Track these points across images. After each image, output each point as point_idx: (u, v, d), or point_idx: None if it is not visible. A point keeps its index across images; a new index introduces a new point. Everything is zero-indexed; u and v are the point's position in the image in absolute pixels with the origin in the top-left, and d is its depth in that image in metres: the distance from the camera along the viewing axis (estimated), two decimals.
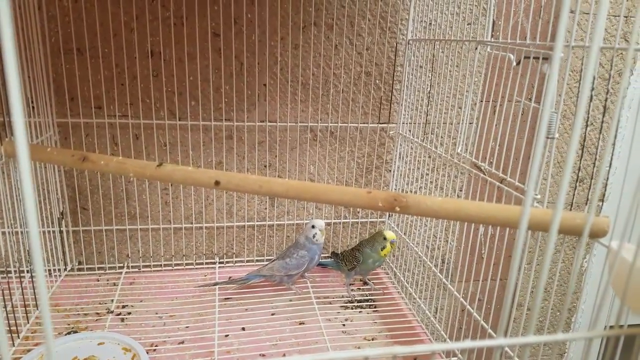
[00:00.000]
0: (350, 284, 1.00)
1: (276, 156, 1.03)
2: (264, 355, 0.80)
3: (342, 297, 0.99)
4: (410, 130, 1.03)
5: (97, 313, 0.87)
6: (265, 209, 1.07)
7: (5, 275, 0.77)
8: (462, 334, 0.82)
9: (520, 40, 0.69)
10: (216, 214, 1.04)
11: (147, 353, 0.75)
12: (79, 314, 0.87)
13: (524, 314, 0.72)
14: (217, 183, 0.60)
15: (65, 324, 0.84)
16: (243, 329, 0.86)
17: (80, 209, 0.99)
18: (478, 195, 0.81)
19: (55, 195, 0.92)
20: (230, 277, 0.99)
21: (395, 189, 1.07)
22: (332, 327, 0.88)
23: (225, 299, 0.94)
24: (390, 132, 1.07)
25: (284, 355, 0.81)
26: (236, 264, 1.08)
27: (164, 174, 0.63)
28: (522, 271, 0.69)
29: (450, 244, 1.14)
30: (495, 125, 0.85)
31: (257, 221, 1.07)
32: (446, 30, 0.97)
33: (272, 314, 0.90)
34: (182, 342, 0.82)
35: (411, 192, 1.04)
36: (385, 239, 0.94)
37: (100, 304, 0.90)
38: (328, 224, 1.09)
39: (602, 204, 1.24)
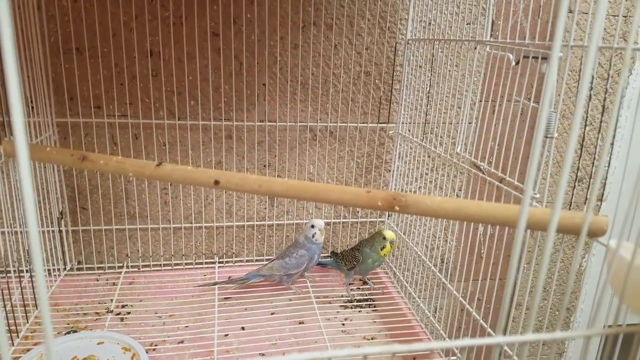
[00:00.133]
0: (349, 284, 1.00)
1: (276, 156, 1.04)
2: (263, 354, 0.80)
3: (342, 296, 0.99)
4: (409, 130, 1.03)
5: (97, 313, 0.87)
6: (265, 208, 1.07)
7: (4, 275, 0.77)
8: (461, 333, 0.82)
9: (519, 40, 0.69)
10: (216, 213, 1.04)
11: (147, 352, 0.75)
12: (78, 313, 0.87)
13: (522, 313, 0.72)
14: (216, 182, 0.60)
15: (64, 323, 0.84)
16: (242, 328, 0.86)
17: (80, 209, 0.99)
18: (477, 194, 0.81)
19: (54, 194, 0.92)
20: (229, 277, 0.99)
21: (395, 189, 1.07)
22: (331, 327, 0.89)
23: (225, 298, 0.94)
24: (390, 132, 1.07)
25: (284, 354, 0.81)
26: (236, 264, 1.08)
27: (163, 174, 0.63)
28: (521, 271, 0.69)
29: (450, 243, 1.14)
30: (495, 124, 0.85)
31: (257, 221, 1.07)
32: (445, 30, 0.97)
33: (272, 314, 0.91)
34: (182, 342, 0.82)
35: (410, 191, 1.04)
36: (384, 238, 0.94)
37: (99, 303, 0.90)
38: (328, 224, 1.09)
39: (601, 204, 1.24)
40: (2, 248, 0.75)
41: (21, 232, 0.80)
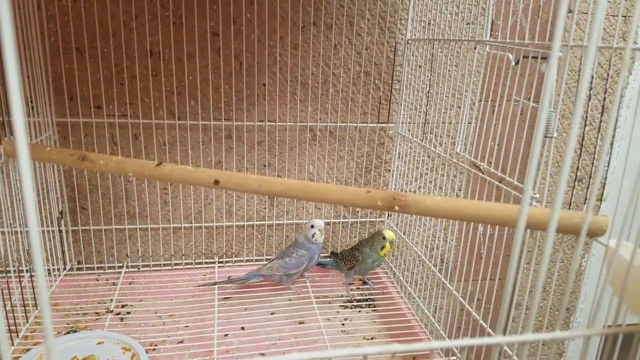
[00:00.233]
0: (349, 284, 1.00)
1: (275, 156, 1.04)
2: (263, 354, 0.80)
3: (342, 296, 0.99)
4: (409, 130, 1.03)
5: (97, 312, 0.87)
6: (265, 208, 1.07)
7: (4, 275, 0.77)
8: (461, 333, 0.82)
9: (519, 40, 0.69)
10: (215, 213, 1.04)
11: (147, 352, 0.75)
12: (78, 313, 0.87)
13: (522, 314, 0.72)
14: (216, 182, 0.60)
15: (64, 323, 0.84)
16: (242, 328, 0.86)
17: (80, 209, 0.99)
18: (477, 194, 0.81)
19: (54, 194, 0.92)
20: (229, 277, 0.99)
21: (395, 189, 1.07)
22: (331, 327, 0.89)
23: (225, 298, 0.94)
24: (390, 132, 1.07)
25: (283, 354, 0.81)
26: (235, 264, 1.08)
27: (163, 174, 0.63)
28: (521, 270, 0.69)
29: (450, 243, 1.14)
30: (494, 124, 0.85)
31: (257, 221, 1.07)
32: (445, 30, 0.98)
33: (272, 314, 0.91)
34: (182, 342, 0.82)
35: (410, 191, 1.04)
36: (384, 238, 0.94)
37: (99, 303, 0.90)
38: (327, 224, 1.09)
39: (601, 204, 1.24)
40: (2, 248, 0.75)
41: (21, 232, 0.80)
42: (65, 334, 0.80)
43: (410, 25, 0.98)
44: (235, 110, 0.99)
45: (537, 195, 0.63)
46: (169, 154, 0.99)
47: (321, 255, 0.99)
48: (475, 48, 0.79)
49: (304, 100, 1.01)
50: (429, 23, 0.99)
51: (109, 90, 0.93)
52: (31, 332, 0.80)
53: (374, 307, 0.97)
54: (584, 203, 1.22)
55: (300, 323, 0.89)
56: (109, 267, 1.03)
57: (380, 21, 1.00)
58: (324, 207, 1.10)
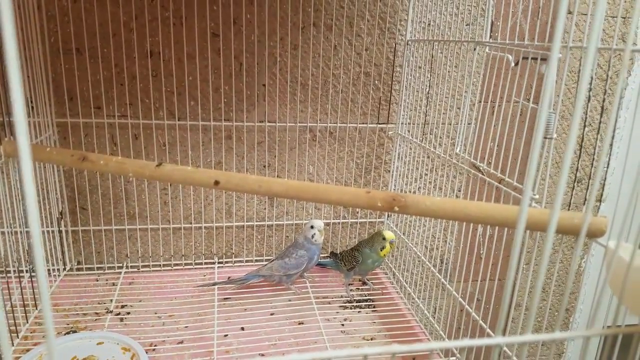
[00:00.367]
0: (349, 284, 1.00)
1: (275, 156, 1.04)
2: (263, 354, 0.80)
3: (341, 297, 0.99)
4: (409, 131, 1.03)
5: (96, 313, 0.87)
6: (265, 209, 1.07)
7: (4, 275, 0.77)
8: (460, 334, 0.82)
9: (518, 41, 0.69)
10: (215, 214, 1.04)
11: (146, 353, 0.75)
12: (78, 313, 0.87)
13: (522, 314, 0.72)
14: (216, 183, 0.60)
15: (64, 323, 0.84)
16: (242, 328, 0.86)
17: (80, 209, 0.99)
18: (477, 195, 0.81)
19: (54, 195, 0.92)
20: (229, 277, 0.99)
21: (394, 189, 1.07)
22: (331, 327, 0.89)
23: (225, 298, 0.94)
24: (389, 133, 1.07)
25: (283, 355, 0.81)
26: (235, 264, 1.08)
27: (163, 174, 0.63)
28: (520, 271, 0.70)
29: (449, 244, 1.15)
30: (494, 125, 0.85)
31: (256, 221, 1.07)
32: (445, 31, 0.98)
33: (271, 314, 0.91)
34: (181, 342, 0.82)
35: (410, 192, 1.04)
36: (384, 239, 0.94)
37: (99, 303, 0.90)
38: (327, 224, 1.09)
39: (600, 204, 1.24)
40: (2, 248, 0.75)
41: (21, 232, 0.80)
42: (65, 334, 0.80)
43: (410, 26, 0.98)
44: (235, 110, 0.99)
45: (537, 196, 0.63)
46: (169, 154, 0.99)
47: (321, 255, 0.99)
48: (475, 49, 0.79)
49: (303, 101, 1.01)
50: (429, 24, 0.99)
51: (109, 90, 0.93)
52: (31, 333, 0.80)
53: (374, 307, 0.97)
54: (584, 204, 1.22)
55: (300, 323, 0.89)
56: (109, 268, 1.03)
57: (380, 22, 1.00)
58: (324, 208, 1.10)
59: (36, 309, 0.84)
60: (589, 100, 1.14)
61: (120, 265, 1.03)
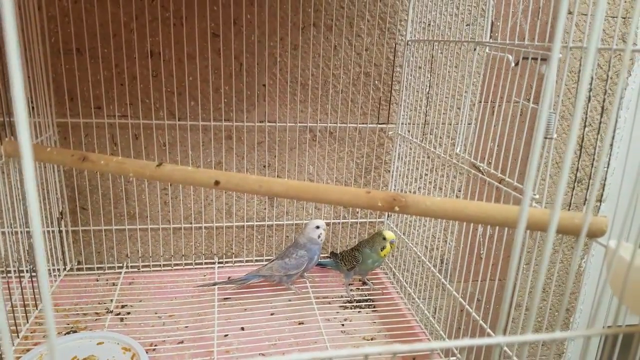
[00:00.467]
0: (349, 284, 1.00)
1: (275, 156, 1.04)
2: (263, 354, 0.80)
3: (341, 297, 0.99)
4: (409, 131, 1.03)
5: (97, 313, 0.87)
6: (265, 209, 1.07)
7: (5, 275, 0.77)
8: (460, 334, 0.82)
9: (518, 41, 0.69)
10: (215, 214, 1.04)
11: (147, 353, 0.75)
12: (78, 313, 0.87)
13: (522, 314, 0.72)
14: (216, 183, 0.60)
15: (64, 323, 0.84)
16: (242, 328, 0.86)
17: (80, 209, 0.99)
18: (477, 195, 0.81)
19: (54, 195, 0.93)
20: (229, 277, 0.99)
21: (394, 189, 1.07)
22: (331, 327, 0.89)
23: (225, 298, 0.94)
24: (389, 133, 1.07)
25: (283, 354, 0.81)
26: (235, 264, 1.08)
27: (163, 174, 0.63)
28: (520, 271, 0.70)
29: (449, 244, 1.15)
30: (494, 125, 0.85)
31: (257, 221, 1.07)
32: (445, 31, 0.98)
33: (271, 314, 0.91)
34: (182, 342, 0.82)
35: (410, 192, 1.04)
36: (384, 239, 0.94)
37: (99, 303, 0.90)
38: (327, 224, 1.09)
39: (600, 205, 1.24)
40: (3, 248, 0.76)
41: (21, 232, 0.80)
42: (65, 334, 0.80)
43: (410, 27, 0.98)
44: (236, 110, 0.99)
45: (537, 196, 0.63)
46: (169, 154, 0.99)
47: (321, 255, 1.00)
48: (475, 49, 0.79)
49: (304, 101, 1.01)
50: (429, 24, 0.99)
51: (110, 90, 0.93)
52: (31, 333, 0.80)
53: (374, 307, 0.97)
54: (584, 204, 1.22)
55: (300, 323, 0.89)
56: (109, 268, 1.03)
57: (380, 22, 1.00)
58: (324, 208, 1.10)
59: (36, 309, 0.84)
60: (589, 101, 1.14)
61: (121, 265, 1.03)
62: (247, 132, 1.01)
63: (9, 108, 0.79)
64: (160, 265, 1.05)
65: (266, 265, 0.96)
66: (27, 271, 0.82)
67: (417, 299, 0.97)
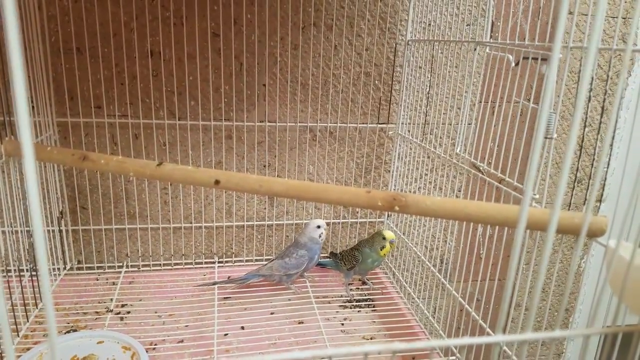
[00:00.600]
0: (349, 284, 1.00)
1: (275, 156, 1.04)
2: (263, 354, 0.80)
3: (341, 296, 0.99)
4: (409, 131, 1.03)
5: (97, 312, 0.87)
6: (265, 208, 1.07)
7: (5, 274, 0.77)
8: (460, 334, 0.82)
9: (519, 41, 0.69)
10: (215, 213, 1.04)
11: (147, 352, 0.75)
12: (78, 312, 0.87)
13: (521, 314, 0.72)
14: (217, 182, 0.60)
15: (64, 322, 0.84)
16: (242, 328, 0.86)
17: (80, 208, 0.99)
18: (477, 195, 0.81)
19: (54, 194, 0.93)
20: (229, 277, 0.99)
21: (394, 189, 1.07)
22: (331, 327, 0.89)
23: (225, 298, 0.95)
24: (390, 133, 1.07)
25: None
26: (235, 264, 1.08)
27: (163, 173, 0.63)
28: (520, 271, 0.70)
29: (449, 244, 1.15)
30: (494, 125, 0.85)
31: (257, 221, 1.07)
32: (445, 31, 0.98)
33: (271, 313, 0.91)
34: (182, 341, 0.82)
35: (410, 192, 1.04)
36: (384, 238, 0.94)
37: (99, 302, 0.90)
38: (327, 224, 1.09)
39: (600, 205, 1.24)
40: (3, 247, 0.76)
41: (21, 232, 0.80)
42: (65, 333, 0.80)
43: (411, 27, 0.98)
44: (236, 110, 0.99)
45: (537, 196, 0.63)
46: (169, 154, 0.99)
47: (321, 255, 1.00)
48: (475, 49, 0.79)
49: (304, 101, 1.01)
50: (429, 24, 0.99)
51: (110, 90, 0.93)
52: (31, 332, 0.80)
53: (374, 307, 0.97)
54: (584, 204, 1.22)
55: (299, 323, 0.89)
56: (109, 267, 1.03)
57: (380, 22, 1.00)
58: (324, 208, 1.10)
59: (36, 308, 0.84)
60: (589, 101, 1.14)
61: (121, 264, 1.03)
62: (247, 131, 1.01)
63: (9, 107, 0.79)
64: (160, 264, 1.05)
65: (266, 264, 0.96)
66: (27, 270, 0.82)
67: (416, 299, 0.97)
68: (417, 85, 1.00)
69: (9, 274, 0.77)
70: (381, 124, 1.07)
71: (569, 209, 1.23)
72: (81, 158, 0.66)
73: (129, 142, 0.97)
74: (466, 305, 0.80)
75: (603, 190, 1.23)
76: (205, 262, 1.07)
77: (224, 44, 0.94)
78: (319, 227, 0.95)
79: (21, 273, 0.80)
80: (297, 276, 0.97)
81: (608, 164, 1.21)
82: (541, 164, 0.66)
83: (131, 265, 1.04)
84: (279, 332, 0.86)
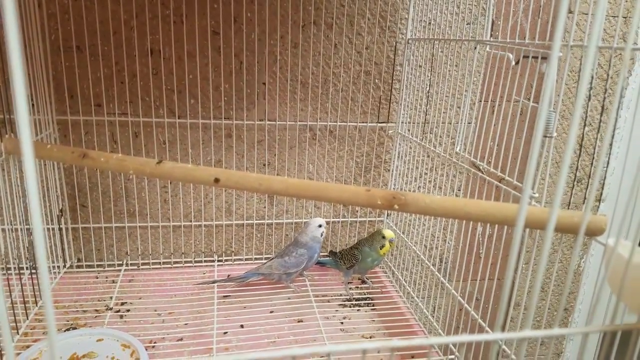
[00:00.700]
0: (348, 283, 1.01)
1: (275, 155, 1.04)
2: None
3: (341, 295, 0.99)
4: (409, 130, 1.03)
5: (96, 310, 0.88)
6: (264, 207, 1.07)
7: (5, 272, 0.77)
8: (459, 333, 0.82)
9: (519, 40, 0.69)
10: (215, 212, 1.05)
11: (146, 350, 0.75)
12: (78, 310, 0.87)
13: (521, 313, 0.72)
14: (216, 180, 0.60)
15: (64, 320, 0.84)
16: (242, 326, 0.86)
17: (80, 206, 0.99)
18: (476, 194, 0.81)
19: (54, 192, 0.93)
20: (228, 275, 0.99)
21: (394, 188, 1.07)
22: (330, 325, 0.89)
23: (224, 296, 0.95)
24: (389, 132, 1.07)
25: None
26: (235, 262, 1.08)
27: (163, 172, 0.63)
28: (519, 270, 0.70)
29: (449, 243, 1.15)
30: (494, 124, 0.85)
31: (256, 219, 1.07)
32: (445, 29, 0.98)
33: (271, 312, 0.91)
34: (181, 339, 0.82)
35: (410, 191, 1.04)
36: (384, 237, 0.94)
37: (99, 300, 0.90)
38: (327, 223, 1.09)
39: (599, 204, 1.24)
40: (3, 245, 0.76)
41: (21, 230, 0.80)
42: (65, 331, 0.80)
43: (411, 25, 0.98)
44: (235, 109, 0.99)
45: (537, 195, 0.63)
46: (169, 152, 0.99)
47: (320, 254, 1.00)
48: (475, 48, 0.79)
49: (304, 100, 1.01)
50: (429, 23, 0.99)
51: (110, 88, 0.93)
52: (31, 329, 0.80)
53: (373, 306, 0.98)
54: (583, 203, 1.22)
55: (299, 321, 0.89)
56: (109, 265, 1.03)
57: (380, 21, 1.00)
58: (324, 206, 1.10)
59: (36, 305, 0.84)
60: (589, 100, 1.14)
61: (120, 262, 1.03)
62: (247, 130, 1.01)
63: (9, 105, 0.80)
64: (160, 263, 1.05)
65: (266, 263, 0.96)
66: (27, 268, 0.82)
67: (416, 298, 0.97)
68: (417, 84, 1.00)
69: (9, 271, 0.77)
70: (381, 122, 1.07)
71: (568, 209, 1.23)
72: (81, 156, 0.66)
73: (128, 140, 0.97)
74: (465, 305, 0.80)
75: (603, 189, 1.23)
76: (205, 261, 1.07)
77: (224, 42, 0.94)
78: (320, 225, 0.96)
79: (21, 271, 0.80)
80: (297, 275, 0.97)
81: (608, 164, 1.21)
82: (541, 163, 0.66)
83: (131, 264, 1.04)
84: (278, 331, 0.86)
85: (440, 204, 0.54)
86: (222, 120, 0.99)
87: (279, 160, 1.04)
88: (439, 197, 0.55)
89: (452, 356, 0.80)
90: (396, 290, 1.01)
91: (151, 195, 1.01)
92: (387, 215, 1.13)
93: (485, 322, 0.74)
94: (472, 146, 0.90)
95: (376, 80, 1.03)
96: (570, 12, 1.01)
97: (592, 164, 1.19)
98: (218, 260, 1.07)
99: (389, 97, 1.05)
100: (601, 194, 1.24)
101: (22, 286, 0.80)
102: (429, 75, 1.00)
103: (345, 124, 1.05)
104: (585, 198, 1.22)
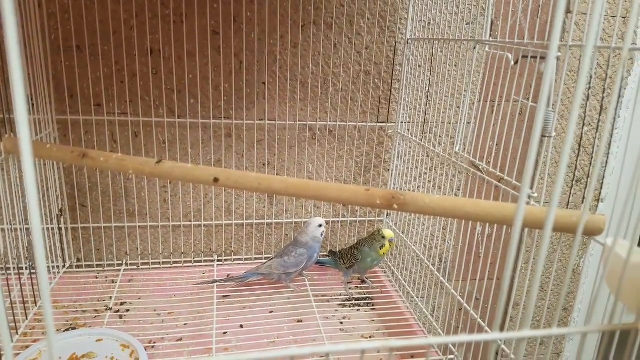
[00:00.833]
0: (348, 282, 1.01)
1: (275, 154, 1.04)
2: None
3: (340, 295, 0.99)
4: (408, 130, 1.03)
5: (96, 310, 0.88)
6: (264, 207, 1.07)
7: (4, 272, 0.77)
8: (459, 332, 0.82)
9: (518, 40, 0.69)
10: (215, 212, 1.05)
11: (146, 350, 0.75)
12: (77, 310, 0.87)
13: (520, 313, 0.72)
14: (216, 180, 0.60)
15: (63, 320, 0.84)
16: (241, 326, 0.86)
17: (79, 206, 0.99)
18: (476, 194, 0.81)
19: (54, 192, 0.93)
20: (228, 275, 0.99)
21: (394, 188, 1.08)
22: (330, 325, 0.89)
23: (224, 296, 0.95)
24: (389, 131, 1.07)
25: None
26: (234, 262, 1.08)
27: (163, 171, 0.63)
28: (519, 270, 0.70)
29: (448, 243, 1.15)
30: (493, 124, 0.85)
31: (256, 219, 1.08)
32: (445, 29, 0.98)
33: (270, 312, 0.91)
34: (181, 339, 0.82)
35: (409, 191, 1.04)
36: (383, 237, 0.94)
37: (98, 300, 0.90)
38: (327, 223, 1.09)
39: (598, 204, 1.24)
40: (2, 245, 0.76)
41: (20, 229, 0.80)
42: (64, 331, 0.80)
43: (410, 25, 0.98)
44: (235, 108, 0.99)
45: (535, 195, 0.63)
46: (168, 152, 0.99)
47: (320, 254, 1.00)
48: (474, 48, 0.79)
49: (303, 99, 1.01)
50: (429, 23, 0.99)
51: (109, 88, 0.93)
52: (30, 330, 0.80)
53: (373, 305, 0.98)
54: (582, 202, 1.22)
55: (298, 321, 0.89)
56: (109, 265, 1.03)
57: (380, 20, 1.00)
58: (323, 206, 1.10)
59: (35, 305, 0.84)
60: (587, 100, 1.14)
61: (120, 262, 1.03)
62: (247, 130, 1.01)
63: (8, 105, 0.80)
64: (159, 262, 1.05)
65: (265, 263, 0.96)
66: (26, 268, 0.82)
67: (415, 298, 0.97)
68: (417, 83, 1.00)
69: (8, 271, 0.77)
70: (381, 122, 1.07)
71: (567, 208, 1.23)
72: (81, 155, 0.66)
73: (128, 140, 0.97)
74: (465, 304, 0.80)
75: (601, 189, 1.24)
76: (205, 261, 1.07)
77: (224, 42, 0.94)
78: (320, 225, 0.96)
79: (20, 271, 0.80)
80: (296, 275, 0.97)
81: (606, 163, 1.21)
82: (540, 163, 0.67)
83: (130, 264, 1.04)
84: (278, 331, 0.86)
85: (439, 203, 0.54)
86: (221, 120, 0.99)
87: (279, 160, 1.04)
88: (438, 197, 0.55)
89: (452, 356, 0.80)
90: (396, 290, 1.01)
91: (151, 195, 1.01)
92: (387, 215, 1.13)
93: (484, 322, 0.74)
94: (472, 146, 0.90)
95: (376, 80, 1.03)
96: (569, 12, 1.01)
97: (591, 163, 1.19)
98: (218, 260, 1.07)
99: (388, 97, 1.05)
100: (600, 193, 1.24)
101: (21, 286, 0.80)
102: (429, 75, 1.00)
103: (344, 123, 1.05)
104: (584, 198, 1.22)
